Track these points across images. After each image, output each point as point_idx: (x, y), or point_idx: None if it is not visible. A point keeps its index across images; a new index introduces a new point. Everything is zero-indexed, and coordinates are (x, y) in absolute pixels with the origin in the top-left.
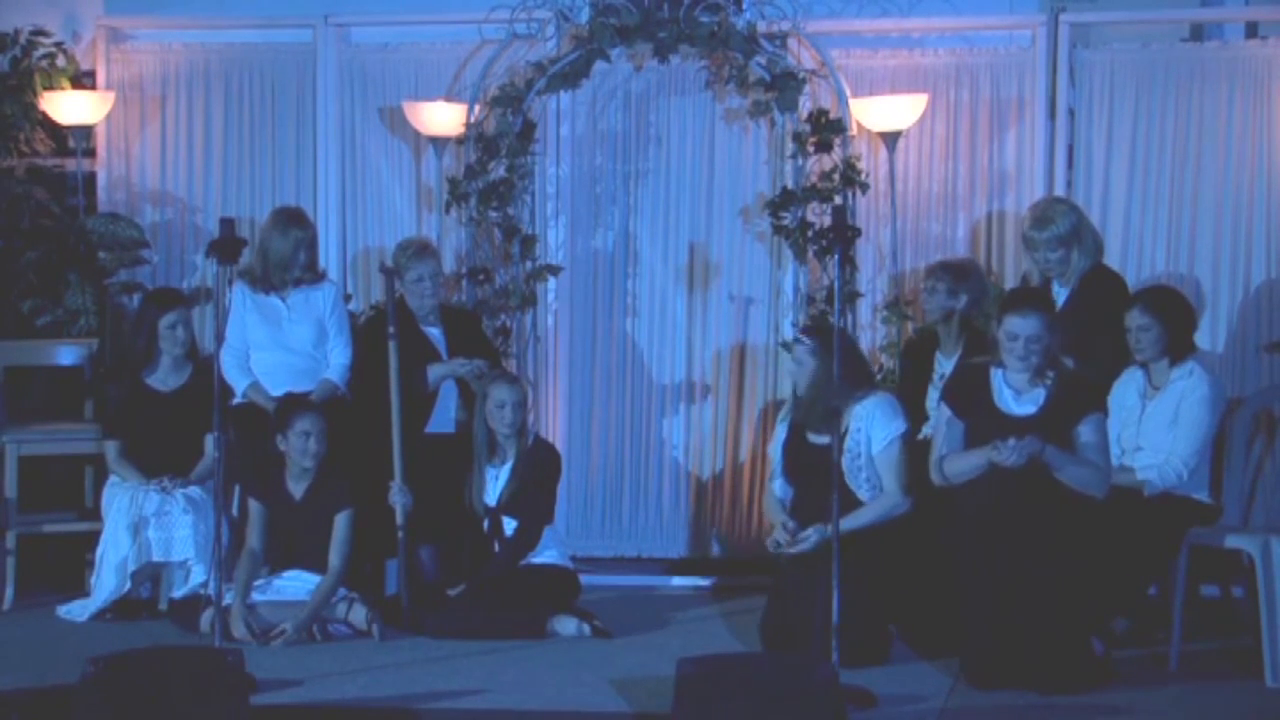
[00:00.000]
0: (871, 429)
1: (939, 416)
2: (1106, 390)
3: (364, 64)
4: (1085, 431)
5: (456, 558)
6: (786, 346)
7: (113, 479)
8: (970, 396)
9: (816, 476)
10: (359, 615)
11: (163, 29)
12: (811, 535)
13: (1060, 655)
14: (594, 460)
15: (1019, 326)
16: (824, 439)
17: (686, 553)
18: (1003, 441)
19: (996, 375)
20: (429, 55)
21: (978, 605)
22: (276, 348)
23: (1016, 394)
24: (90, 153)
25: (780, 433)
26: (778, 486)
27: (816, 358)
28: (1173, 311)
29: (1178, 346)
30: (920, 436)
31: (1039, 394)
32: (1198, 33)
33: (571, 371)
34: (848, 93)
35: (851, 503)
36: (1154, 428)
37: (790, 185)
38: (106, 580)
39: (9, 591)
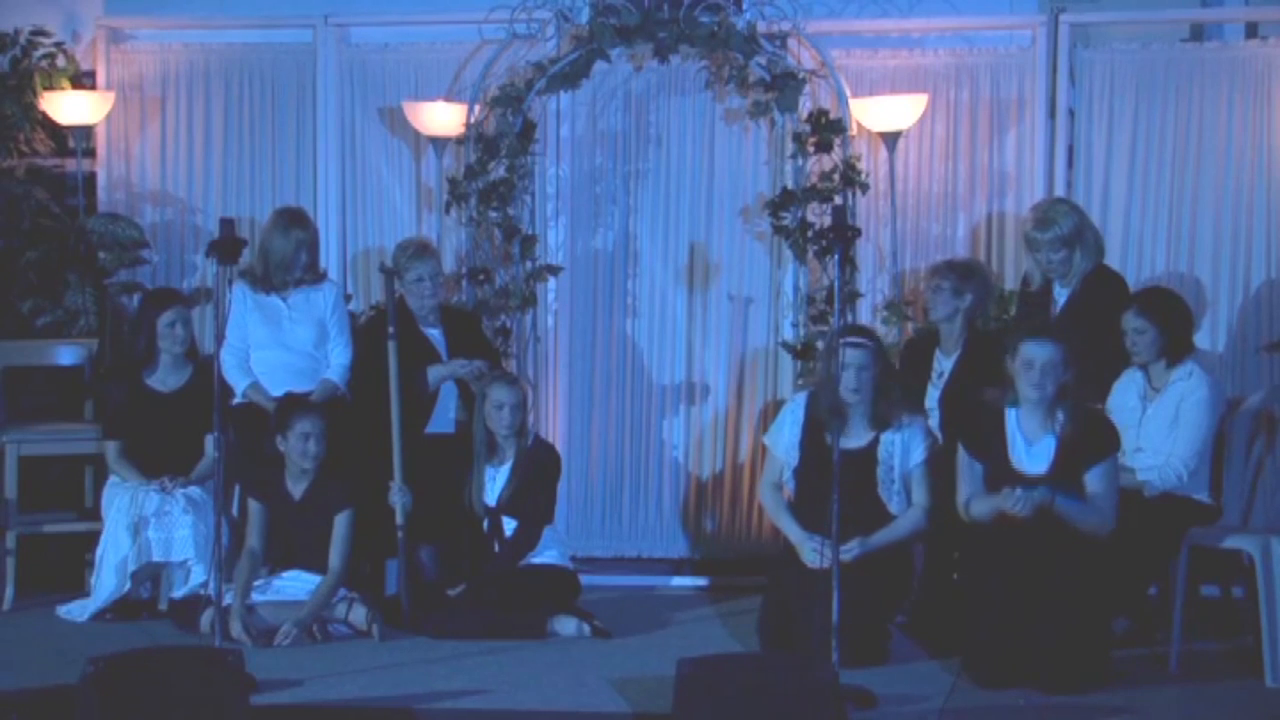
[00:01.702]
0: (911, 442)
1: (959, 459)
2: (1116, 435)
3: (364, 64)
4: (1093, 481)
5: (456, 558)
6: (788, 347)
7: (113, 479)
8: (985, 441)
9: (846, 484)
10: (359, 615)
11: (163, 29)
12: (855, 548)
13: (1067, 656)
14: (594, 460)
15: (1035, 352)
16: (854, 445)
17: (686, 553)
18: (1011, 490)
19: (1010, 418)
20: (429, 55)
21: (985, 604)
22: (277, 348)
23: (1029, 444)
24: (90, 153)
25: (790, 430)
26: (786, 488)
27: (878, 361)
28: (1169, 314)
29: (1175, 348)
30: None
31: (1049, 443)
32: (1198, 33)
33: (571, 371)
34: (848, 93)
35: (882, 514)
36: (1154, 429)
37: (790, 185)
38: (106, 580)
39: (9, 591)
